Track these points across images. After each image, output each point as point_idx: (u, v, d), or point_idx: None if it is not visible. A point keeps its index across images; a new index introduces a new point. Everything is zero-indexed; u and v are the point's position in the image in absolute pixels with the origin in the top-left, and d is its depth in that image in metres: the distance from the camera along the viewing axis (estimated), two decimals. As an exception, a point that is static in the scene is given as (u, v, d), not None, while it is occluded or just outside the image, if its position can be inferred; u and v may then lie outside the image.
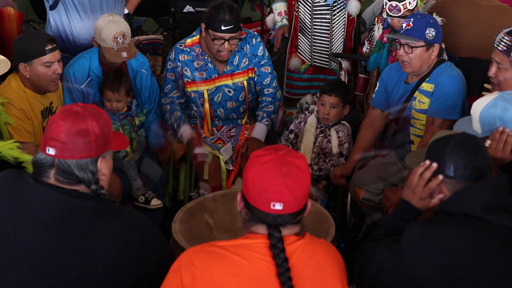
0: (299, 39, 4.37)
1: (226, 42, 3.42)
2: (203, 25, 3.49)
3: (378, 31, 3.96)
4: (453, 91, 3.14)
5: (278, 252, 1.72)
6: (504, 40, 2.71)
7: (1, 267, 1.81)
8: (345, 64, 4.28)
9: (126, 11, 4.03)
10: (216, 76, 3.62)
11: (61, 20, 3.84)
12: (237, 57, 3.62)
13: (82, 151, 1.86)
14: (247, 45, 3.65)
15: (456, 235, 1.90)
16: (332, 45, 4.31)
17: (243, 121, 3.80)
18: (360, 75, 4.36)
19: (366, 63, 4.09)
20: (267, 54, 3.76)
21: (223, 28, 3.37)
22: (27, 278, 1.79)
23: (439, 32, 3.13)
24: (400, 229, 2.03)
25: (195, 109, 3.68)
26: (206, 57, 3.59)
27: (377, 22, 3.99)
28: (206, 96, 3.63)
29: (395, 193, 3.12)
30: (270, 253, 1.73)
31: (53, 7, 3.84)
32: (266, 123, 3.67)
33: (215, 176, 3.53)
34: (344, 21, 4.27)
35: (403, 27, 3.13)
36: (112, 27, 3.32)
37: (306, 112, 3.76)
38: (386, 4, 3.65)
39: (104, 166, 1.92)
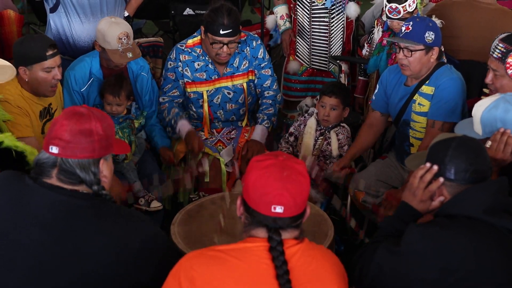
0: (297, 42, 4.37)
1: (225, 46, 3.43)
2: (202, 28, 3.49)
3: (377, 33, 3.97)
4: (453, 93, 3.15)
5: (278, 255, 1.73)
6: (498, 47, 2.71)
7: (1, 268, 1.81)
8: (343, 66, 4.29)
9: (126, 14, 4.03)
10: (216, 77, 3.63)
11: (61, 22, 3.85)
12: (237, 59, 3.63)
13: (84, 150, 1.87)
14: (248, 47, 3.65)
15: (456, 237, 1.90)
16: (331, 48, 4.31)
17: (243, 123, 3.81)
18: (359, 77, 4.37)
19: (366, 66, 4.09)
20: (267, 56, 3.76)
21: (221, 32, 3.38)
22: (27, 278, 1.79)
23: (439, 35, 3.13)
24: (400, 231, 2.03)
25: (194, 109, 3.69)
26: (206, 58, 3.59)
27: (377, 25, 4.00)
28: (205, 97, 3.63)
29: (395, 195, 3.12)
30: (270, 256, 1.74)
31: (53, 9, 3.85)
32: (266, 125, 3.67)
33: (215, 179, 3.54)
34: (343, 24, 4.28)
35: (403, 31, 3.13)
36: (115, 28, 3.33)
37: (306, 115, 3.77)
38: (385, 6, 3.66)
39: (105, 168, 1.94)
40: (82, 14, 3.81)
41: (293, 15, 4.35)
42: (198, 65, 3.60)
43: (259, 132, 3.64)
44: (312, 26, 4.27)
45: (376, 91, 3.48)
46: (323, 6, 4.21)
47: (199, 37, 3.61)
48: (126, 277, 1.84)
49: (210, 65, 3.60)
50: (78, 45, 3.86)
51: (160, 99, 3.66)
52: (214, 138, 3.72)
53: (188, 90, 3.64)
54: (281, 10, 4.40)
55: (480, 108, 2.45)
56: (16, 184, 1.92)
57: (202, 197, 3.19)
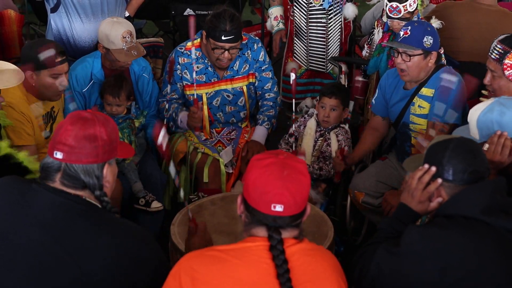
0: (295, 43, 4.36)
1: (226, 52, 3.43)
2: (204, 33, 3.49)
3: (378, 34, 3.97)
4: (453, 95, 3.15)
5: (278, 254, 1.74)
6: (496, 48, 2.72)
7: (1, 268, 1.81)
8: (343, 67, 4.29)
9: (126, 14, 4.04)
10: (216, 80, 3.63)
11: (62, 22, 3.85)
12: (237, 63, 3.63)
13: (89, 155, 1.88)
14: (249, 50, 3.66)
15: (455, 237, 1.91)
16: (328, 49, 4.30)
17: (243, 125, 3.81)
18: (359, 78, 4.36)
19: (366, 67, 4.10)
20: (268, 59, 3.77)
21: (223, 38, 3.38)
22: (27, 279, 1.79)
23: (437, 40, 3.14)
24: (400, 232, 2.04)
25: (195, 96, 3.68)
26: (206, 61, 3.59)
27: (377, 26, 4.00)
28: (204, 99, 3.63)
29: (395, 196, 3.12)
30: (270, 255, 1.74)
31: (54, 9, 3.85)
32: (266, 126, 3.68)
33: (214, 179, 3.54)
34: (340, 24, 4.26)
35: (401, 35, 3.14)
36: (118, 28, 3.35)
37: (306, 116, 3.77)
38: (386, 6, 3.66)
39: (109, 173, 1.95)
40: (83, 14, 3.82)
41: (290, 16, 4.34)
42: (198, 67, 3.60)
43: (259, 133, 3.65)
44: (309, 27, 4.26)
45: (375, 95, 3.49)
46: (320, 7, 4.20)
47: (198, 40, 3.61)
48: (125, 279, 1.84)
49: (209, 68, 3.60)
50: (79, 45, 3.86)
51: (159, 100, 3.66)
52: (214, 139, 3.72)
53: (188, 92, 3.64)
54: (275, 11, 4.38)
55: (475, 112, 2.46)
56: (18, 186, 1.93)
57: (202, 197, 3.20)
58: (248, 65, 3.67)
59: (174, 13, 5.46)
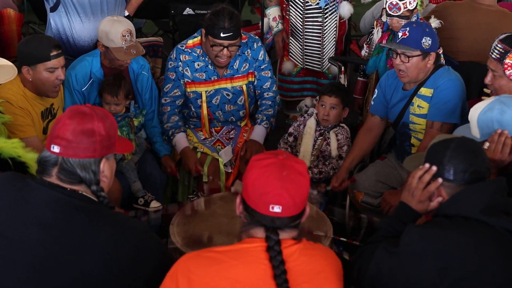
0: (291, 42, 4.35)
1: (225, 49, 3.43)
2: (203, 31, 3.49)
3: (377, 34, 3.97)
4: (452, 94, 3.15)
5: (275, 255, 1.73)
6: (497, 47, 2.72)
7: (1, 267, 1.81)
8: (336, 67, 4.28)
9: (126, 13, 4.03)
10: (216, 78, 3.63)
11: (62, 22, 3.85)
12: (237, 62, 3.63)
13: (86, 150, 1.87)
14: (249, 49, 3.66)
15: (455, 237, 1.91)
16: (324, 48, 4.29)
17: (243, 124, 3.81)
18: (359, 78, 4.37)
19: (365, 67, 4.10)
20: (267, 58, 3.76)
21: (222, 35, 3.38)
22: (27, 278, 1.79)
23: (435, 40, 3.14)
24: (399, 231, 2.03)
25: (193, 109, 3.69)
26: (206, 59, 3.59)
27: (376, 26, 4.00)
28: (204, 97, 3.63)
29: (394, 196, 3.12)
30: (267, 256, 1.74)
31: (53, 9, 3.85)
32: (265, 126, 3.68)
33: (214, 179, 3.54)
34: (336, 23, 4.26)
35: (399, 36, 3.14)
36: (118, 26, 3.35)
37: (305, 115, 3.77)
38: (386, 3, 3.65)
39: (107, 168, 1.94)
40: (82, 13, 3.81)
41: (285, 15, 4.33)
42: (198, 65, 3.60)
43: (258, 132, 3.65)
44: (305, 26, 4.26)
45: (374, 96, 3.49)
46: (316, 6, 4.19)
47: (199, 38, 3.61)
48: (123, 279, 1.84)
49: (209, 66, 3.60)
50: (78, 44, 3.86)
51: (162, 100, 3.65)
52: (213, 138, 3.72)
53: (188, 89, 3.64)
54: (273, 12, 4.37)
55: (475, 111, 2.46)
56: (16, 183, 1.93)
57: (201, 197, 3.19)
58: (247, 64, 3.67)
59: (173, 12, 5.46)
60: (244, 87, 3.69)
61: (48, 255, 1.79)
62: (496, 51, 2.73)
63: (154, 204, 3.36)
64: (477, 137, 2.44)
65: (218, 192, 3.28)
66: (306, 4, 4.20)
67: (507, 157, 2.34)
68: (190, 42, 3.63)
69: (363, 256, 2.06)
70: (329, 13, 4.22)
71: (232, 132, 3.76)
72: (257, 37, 3.85)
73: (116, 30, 3.33)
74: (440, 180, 2.04)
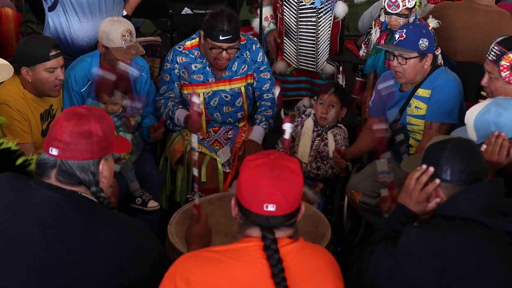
0: (285, 42, 4.34)
1: (224, 52, 3.43)
2: (202, 33, 3.48)
3: (375, 34, 3.97)
4: (450, 95, 3.16)
5: (272, 253, 1.74)
6: (494, 50, 2.73)
7: (1, 267, 1.81)
8: (330, 67, 4.28)
9: (124, 13, 4.03)
10: (214, 80, 3.62)
11: (60, 21, 3.84)
12: (236, 63, 3.62)
13: (84, 152, 1.87)
14: (247, 51, 3.65)
15: (453, 238, 1.91)
16: (318, 48, 4.29)
17: (241, 125, 3.80)
18: (357, 78, 4.37)
19: (363, 67, 4.10)
20: (266, 60, 3.76)
21: (221, 38, 3.37)
22: (27, 278, 1.79)
23: (432, 42, 3.15)
24: (398, 232, 2.04)
25: (192, 100, 3.66)
26: (204, 61, 3.59)
27: (375, 26, 4.00)
28: (202, 99, 3.62)
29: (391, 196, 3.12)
30: (264, 255, 1.74)
31: (51, 8, 3.84)
32: (264, 126, 3.67)
33: (212, 179, 3.53)
34: (330, 23, 4.25)
35: (396, 38, 3.14)
36: (118, 26, 3.35)
37: (303, 116, 3.77)
38: (385, 1, 3.66)
39: (105, 169, 1.94)
40: (80, 13, 3.81)
41: (279, 15, 4.33)
42: (196, 67, 3.59)
43: (257, 133, 3.64)
44: (299, 27, 4.25)
45: (372, 98, 3.49)
46: (310, 6, 4.19)
47: (197, 39, 3.60)
48: (123, 277, 1.84)
49: (207, 68, 3.60)
50: (76, 44, 3.85)
51: (156, 99, 3.65)
52: (211, 138, 3.71)
53: (185, 92, 3.63)
54: (265, 11, 4.34)
55: (472, 114, 2.47)
56: (15, 183, 1.93)
57: (199, 197, 3.19)
58: (246, 66, 3.66)
59: (171, 12, 5.45)
60: (243, 89, 3.68)
61: (48, 255, 1.80)
62: (492, 53, 2.74)
63: (152, 204, 3.36)
64: (474, 139, 2.45)
65: (216, 192, 3.28)
66: (300, 4, 4.20)
67: (504, 159, 2.35)
68: (188, 43, 3.62)
69: (362, 256, 2.07)
70: (324, 13, 4.21)
71: (230, 132, 3.75)
72: (255, 38, 3.85)
73: (116, 30, 3.33)
74: (437, 181, 2.05)
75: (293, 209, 1.79)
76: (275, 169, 1.76)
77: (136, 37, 3.55)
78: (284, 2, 4.24)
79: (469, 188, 2.00)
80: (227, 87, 3.65)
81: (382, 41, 3.84)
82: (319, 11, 4.19)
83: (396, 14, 3.62)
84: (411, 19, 3.66)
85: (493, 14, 3.95)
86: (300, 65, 4.36)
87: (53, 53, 3.03)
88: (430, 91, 3.18)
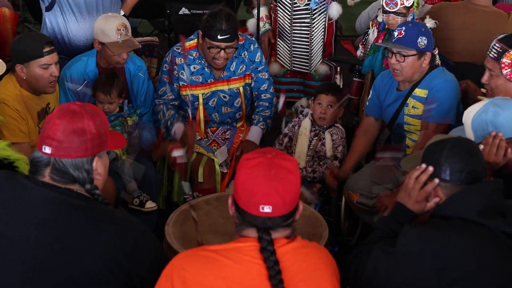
0: (278, 44, 4.33)
1: (222, 51, 3.42)
2: (200, 32, 3.48)
3: (372, 34, 3.97)
4: (447, 95, 3.16)
5: (269, 255, 1.73)
6: (495, 47, 2.73)
7: (1, 267, 1.81)
8: (323, 68, 4.26)
9: (122, 13, 4.03)
10: (212, 81, 3.62)
11: (57, 21, 3.84)
12: (234, 63, 3.62)
13: (78, 150, 1.86)
14: (245, 51, 3.65)
15: (452, 238, 1.91)
16: (312, 50, 4.28)
17: (239, 125, 3.80)
18: (354, 78, 4.37)
19: (361, 67, 4.10)
20: (264, 60, 3.76)
21: (219, 37, 3.37)
22: (26, 278, 1.79)
23: (431, 40, 3.15)
24: (396, 232, 2.03)
25: (189, 112, 3.68)
26: (203, 62, 3.58)
27: (372, 26, 4.00)
28: (201, 100, 3.62)
29: (389, 197, 3.12)
30: (261, 256, 1.74)
31: (49, 8, 3.84)
32: (262, 126, 3.67)
33: (209, 179, 3.53)
34: (324, 24, 4.24)
35: (395, 36, 3.14)
36: (113, 21, 3.36)
37: (300, 116, 3.77)
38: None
39: (99, 166, 1.93)
40: (77, 13, 3.81)
41: (273, 15, 4.31)
42: (194, 68, 3.59)
43: (254, 133, 3.64)
44: (293, 28, 4.24)
45: (369, 96, 3.50)
46: (305, 7, 4.17)
47: (195, 40, 3.60)
48: (119, 277, 1.84)
49: (206, 69, 3.59)
50: (73, 44, 3.85)
51: (156, 102, 3.65)
52: (208, 139, 3.71)
53: (184, 93, 3.63)
54: (261, 11, 4.33)
55: (469, 114, 2.47)
56: (12, 182, 1.92)
57: (196, 197, 3.19)
58: (244, 66, 3.66)
59: (169, 12, 5.45)
60: (241, 89, 3.68)
61: (48, 255, 1.79)
62: (494, 50, 2.73)
63: (150, 205, 3.35)
64: (471, 139, 2.44)
65: (214, 193, 3.28)
66: (294, 5, 4.19)
67: (502, 160, 2.35)
68: (186, 44, 3.62)
69: (360, 256, 2.06)
70: (318, 14, 4.20)
71: (227, 133, 3.75)
72: (253, 38, 3.85)
73: (111, 24, 3.33)
74: (436, 180, 2.05)
75: (290, 209, 1.78)
76: (271, 169, 1.75)
77: (134, 37, 3.55)
78: (278, 3, 4.23)
79: (468, 188, 2.00)
80: (225, 87, 3.64)
81: (380, 41, 3.84)
82: (313, 13, 4.18)
83: (394, 12, 3.63)
84: (409, 19, 3.67)
85: (490, 14, 3.95)
86: (294, 66, 4.35)
87: (46, 49, 3.02)
88: (427, 91, 3.18)
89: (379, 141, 3.68)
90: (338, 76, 4.16)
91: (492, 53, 2.75)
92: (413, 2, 3.64)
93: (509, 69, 2.69)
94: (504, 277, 1.88)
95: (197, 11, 5.15)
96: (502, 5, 4.57)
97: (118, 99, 3.41)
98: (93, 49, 3.49)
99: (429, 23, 3.77)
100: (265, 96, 3.75)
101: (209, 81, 3.61)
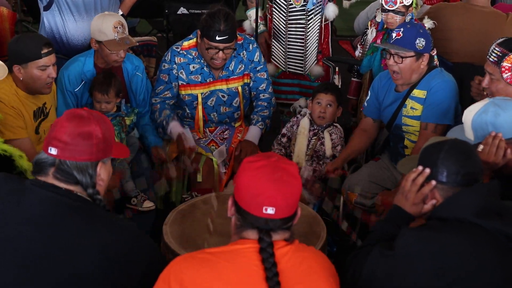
0: (273, 45, 4.32)
1: (220, 52, 3.42)
2: (198, 32, 3.48)
3: (371, 34, 3.97)
4: (446, 95, 3.16)
5: (268, 257, 1.74)
6: (495, 51, 2.73)
7: None
8: (318, 69, 4.26)
9: (120, 12, 4.02)
10: (211, 80, 3.62)
11: (55, 21, 3.83)
12: (233, 63, 3.62)
13: (83, 153, 1.89)
14: (244, 51, 3.65)
15: (449, 240, 1.91)
16: (307, 51, 4.27)
17: (237, 125, 3.80)
18: (353, 78, 4.37)
19: (359, 67, 4.10)
20: (263, 60, 3.75)
21: (217, 38, 3.37)
22: (21, 277, 1.79)
23: (429, 42, 3.15)
24: (393, 234, 2.03)
25: (188, 111, 3.67)
26: (202, 61, 3.58)
27: (371, 26, 4.00)
28: (199, 99, 3.62)
29: (389, 197, 3.12)
30: (260, 258, 1.74)
31: (47, 7, 3.83)
32: (260, 126, 3.67)
33: (208, 179, 3.53)
34: (319, 25, 4.23)
35: (393, 37, 3.14)
36: (110, 18, 3.36)
37: (299, 116, 3.77)
38: None
39: (103, 172, 1.96)
40: (76, 12, 3.80)
41: (268, 15, 4.31)
42: (193, 67, 3.59)
43: (253, 133, 3.64)
44: (288, 29, 4.23)
45: (367, 97, 3.50)
46: (300, 8, 4.16)
47: (194, 40, 3.60)
48: (116, 278, 1.84)
49: (205, 68, 3.59)
50: (71, 43, 3.85)
51: (152, 100, 3.64)
52: (207, 138, 3.71)
53: (183, 92, 3.62)
54: (254, 13, 4.33)
55: (470, 113, 2.47)
56: (9, 183, 1.94)
57: (195, 197, 3.19)
58: (243, 66, 3.66)
59: (167, 11, 5.45)
60: (240, 89, 3.68)
61: (42, 254, 1.80)
62: (494, 54, 2.73)
63: (147, 204, 3.35)
64: (471, 139, 2.44)
65: (212, 192, 3.27)
66: (290, 7, 4.18)
67: (501, 160, 2.35)
68: (185, 44, 3.62)
69: (357, 259, 2.06)
70: (313, 15, 4.19)
71: (226, 132, 3.75)
72: (252, 38, 3.85)
73: (108, 22, 3.33)
74: (433, 182, 2.05)
75: (291, 212, 1.79)
76: (276, 172, 1.77)
77: (132, 37, 3.54)
78: (274, 4, 4.23)
79: (465, 190, 2.00)
80: (224, 86, 3.64)
81: (378, 41, 3.84)
82: (309, 14, 4.18)
83: (393, 11, 3.63)
84: (407, 18, 3.67)
85: (489, 15, 3.95)
86: (288, 67, 4.34)
87: (45, 51, 3.01)
88: (426, 92, 3.18)
89: (377, 142, 3.68)
90: (336, 76, 4.16)
91: (492, 57, 2.75)
92: (412, 1, 3.64)
93: (510, 73, 2.69)
94: (502, 277, 1.88)
95: (196, 11, 5.15)
96: (501, 6, 4.57)
97: (116, 98, 3.41)
98: (91, 49, 3.49)
99: (428, 23, 3.77)
100: (263, 96, 3.75)
101: (208, 80, 3.61)
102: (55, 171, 1.90)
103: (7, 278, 1.80)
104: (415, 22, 3.72)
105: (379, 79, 3.45)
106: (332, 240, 3.43)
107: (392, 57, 3.13)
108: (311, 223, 2.70)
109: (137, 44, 3.52)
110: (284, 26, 4.22)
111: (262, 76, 3.73)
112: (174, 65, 3.59)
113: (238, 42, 3.58)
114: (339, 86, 4.14)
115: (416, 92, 3.22)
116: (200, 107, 3.64)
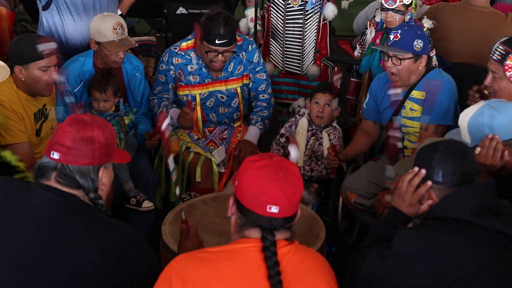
0: (271, 44, 4.32)
1: (220, 55, 3.42)
2: (196, 34, 3.47)
3: (370, 34, 3.97)
4: (444, 96, 3.16)
5: (270, 255, 1.74)
6: (498, 49, 2.74)
7: None
8: (315, 69, 4.25)
9: (119, 12, 4.02)
10: (210, 81, 3.62)
11: (54, 20, 3.83)
12: (232, 64, 3.62)
13: (85, 157, 1.91)
14: (243, 52, 3.64)
15: (447, 239, 1.91)
16: (304, 50, 4.26)
17: (236, 125, 3.80)
18: (352, 78, 4.37)
19: (358, 67, 4.10)
20: (262, 60, 3.75)
21: (217, 42, 3.37)
22: (22, 278, 1.80)
23: (427, 43, 3.15)
24: (391, 235, 2.04)
25: (189, 98, 3.66)
26: (200, 62, 3.58)
27: (370, 26, 4.00)
28: (198, 100, 3.62)
29: (383, 197, 3.12)
30: (262, 257, 1.74)
31: (45, 7, 3.83)
32: (260, 127, 3.67)
33: (207, 179, 3.53)
34: (316, 25, 4.22)
35: (391, 39, 3.14)
36: (109, 20, 3.36)
37: (297, 116, 3.77)
38: None
39: (105, 176, 1.98)
40: (74, 12, 3.80)
41: (266, 15, 4.31)
42: (192, 68, 3.58)
43: (252, 133, 3.64)
44: (286, 28, 4.23)
45: (366, 100, 3.50)
46: (298, 8, 4.16)
47: (193, 40, 3.60)
48: (115, 278, 1.85)
49: (203, 69, 3.59)
50: (70, 43, 3.84)
51: (150, 98, 3.65)
52: (206, 138, 3.71)
53: (181, 93, 3.62)
54: (251, 12, 4.31)
55: (466, 116, 2.47)
56: (10, 185, 1.96)
57: (194, 197, 3.19)
58: (242, 67, 3.65)
59: (166, 11, 5.45)
60: (239, 90, 3.68)
61: (43, 254, 1.80)
62: (497, 52, 2.74)
63: (146, 204, 3.35)
64: (468, 142, 2.45)
65: (211, 192, 3.27)
66: (288, 6, 4.18)
67: (498, 162, 2.35)
68: (184, 44, 3.61)
69: (356, 261, 2.07)
70: (311, 15, 4.19)
71: (225, 132, 3.75)
72: (251, 39, 3.84)
73: (107, 23, 3.33)
74: (429, 183, 2.05)
75: (293, 212, 1.80)
76: (279, 171, 1.77)
77: (131, 36, 3.54)
78: (271, 4, 4.22)
79: (461, 189, 2.00)
80: (223, 87, 3.64)
81: (378, 41, 3.85)
82: (307, 13, 4.17)
83: (392, 9, 3.63)
84: (407, 18, 3.67)
85: (488, 15, 3.95)
86: (286, 67, 4.34)
87: (46, 51, 3.01)
88: (425, 93, 3.18)
89: (377, 142, 3.68)
90: (335, 76, 4.15)
91: (495, 55, 2.75)
92: (412, 1, 3.64)
93: None
94: (500, 276, 1.89)
95: (195, 11, 5.15)
96: (501, 6, 4.58)
97: (114, 97, 3.41)
98: (90, 50, 3.49)
99: (427, 23, 3.78)
100: (263, 96, 3.75)
101: (206, 81, 3.61)
102: (57, 175, 1.91)
103: (7, 278, 1.80)
104: (414, 22, 3.73)
105: (377, 81, 3.45)
106: (331, 240, 3.44)
107: (390, 59, 3.14)
108: (310, 223, 2.70)
109: (137, 45, 3.51)
110: (282, 25, 4.22)
111: (261, 77, 3.73)
112: (172, 66, 3.59)
113: (238, 43, 3.57)
114: (338, 86, 4.14)
115: (415, 93, 3.22)
116: (198, 107, 3.63)
